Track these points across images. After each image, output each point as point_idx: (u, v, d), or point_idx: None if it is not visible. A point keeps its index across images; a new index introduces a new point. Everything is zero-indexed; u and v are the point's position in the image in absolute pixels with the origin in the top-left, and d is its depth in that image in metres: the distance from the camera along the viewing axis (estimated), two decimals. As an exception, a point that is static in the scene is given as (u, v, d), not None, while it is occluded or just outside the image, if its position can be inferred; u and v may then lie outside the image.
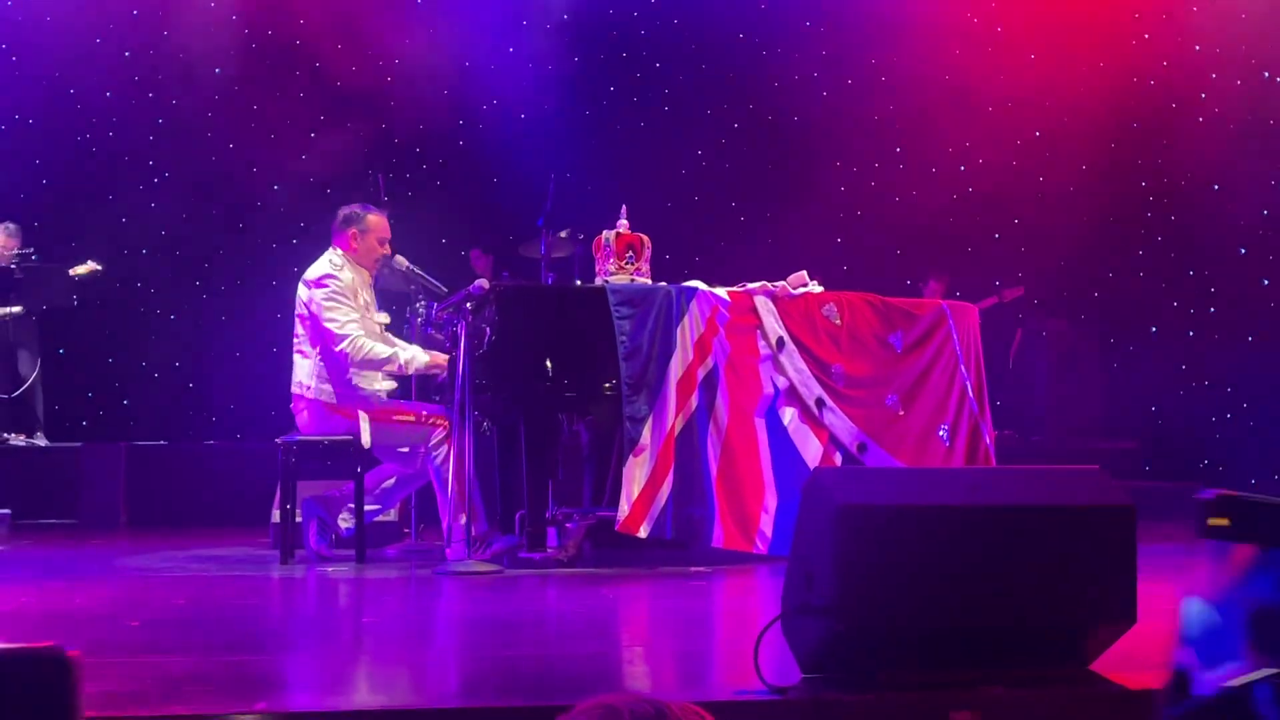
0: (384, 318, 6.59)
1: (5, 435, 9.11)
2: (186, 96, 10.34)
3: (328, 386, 6.28)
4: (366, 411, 6.23)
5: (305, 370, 6.31)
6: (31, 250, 9.45)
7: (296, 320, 6.38)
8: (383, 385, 6.48)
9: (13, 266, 9.16)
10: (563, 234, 8.41)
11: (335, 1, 10.55)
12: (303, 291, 6.35)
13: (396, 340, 6.54)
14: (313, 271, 6.38)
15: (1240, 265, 10.61)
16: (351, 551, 6.24)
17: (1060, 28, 10.68)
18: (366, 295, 6.47)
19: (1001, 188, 10.89)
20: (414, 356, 6.31)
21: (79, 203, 10.44)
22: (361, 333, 6.26)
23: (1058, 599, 3.26)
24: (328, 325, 6.23)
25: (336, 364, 6.27)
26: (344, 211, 6.52)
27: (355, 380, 6.32)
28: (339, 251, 6.43)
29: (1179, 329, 10.84)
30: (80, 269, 9.20)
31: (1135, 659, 3.47)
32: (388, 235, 6.53)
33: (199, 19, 10.24)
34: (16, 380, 9.25)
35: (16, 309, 9.10)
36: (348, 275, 6.35)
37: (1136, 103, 10.61)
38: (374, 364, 6.26)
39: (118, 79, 10.38)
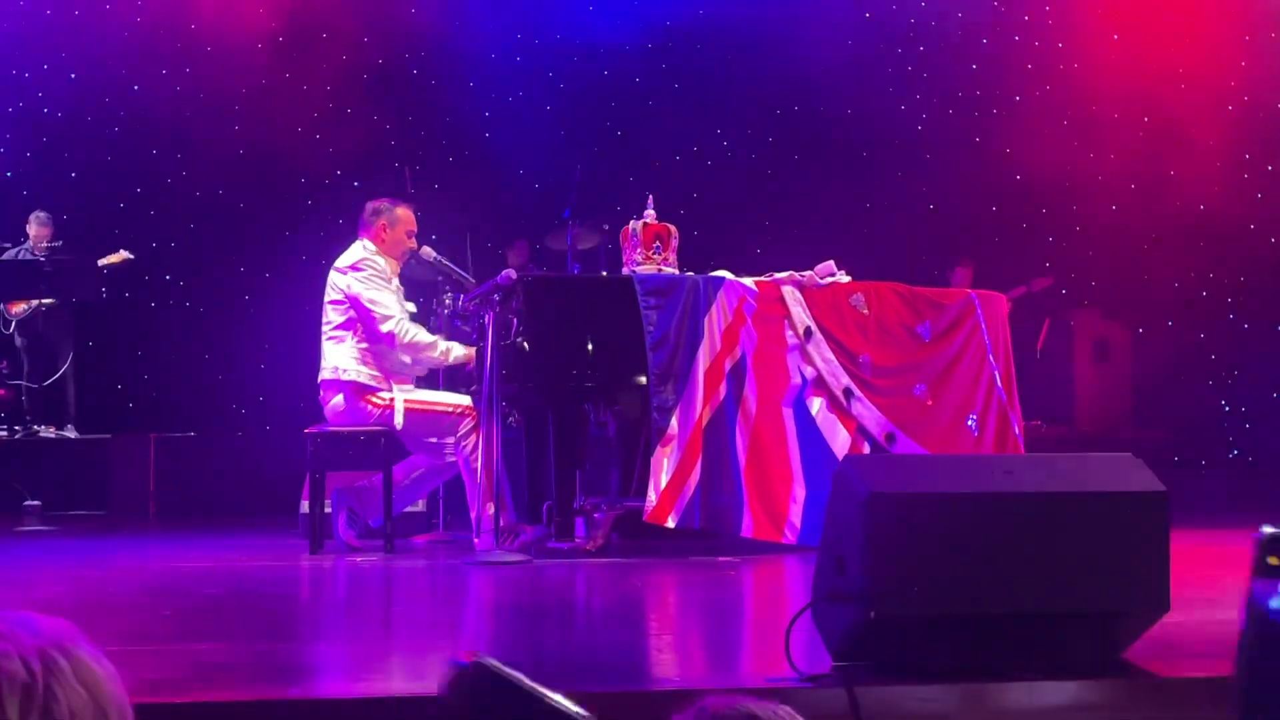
0: (410, 307, 6.66)
1: (35, 427, 9.17)
2: (213, 89, 10.37)
3: (365, 369, 6.34)
4: (404, 392, 6.31)
5: (339, 354, 6.35)
6: (60, 242, 9.51)
7: (328, 307, 6.43)
8: (417, 370, 6.59)
9: (41, 259, 9.21)
10: (589, 225, 8.41)
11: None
12: (337, 278, 6.41)
13: None
14: (346, 258, 6.45)
15: (1270, 255, 10.54)
16: (380, 542, 6.26)
17: (1088, 17, 10.62)
18: (394, 285, 6.52)
19: (1029, 178, 10.84)
20: (452, 347, 6.45)
21: (107, 195, 10.49)
22: (404, 316, 6.39)
23: (1090, 586, 3.24)
24: (370, 306, 6.32)
25: (378, 344, 6.32)
26: (372, 204, 6.61)
27: (387, 367, 6.37)
28: (368, 243, 6.51)
29: (1208, 318, 10.78)
30: (112, 258, 9.25)
31: (1169, 648, 3.46)
32: (415, 228, 6.62)
33: (226, 12, 10.27)
34: (50, 371, 9.31)
35: (50, 301, 9.16)
36: (381, 262, 6.44)
37: (1165, 92, 10.55)
38: (418, 348, 6.38)
39: (145, 71, 10.42)
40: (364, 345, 6.35)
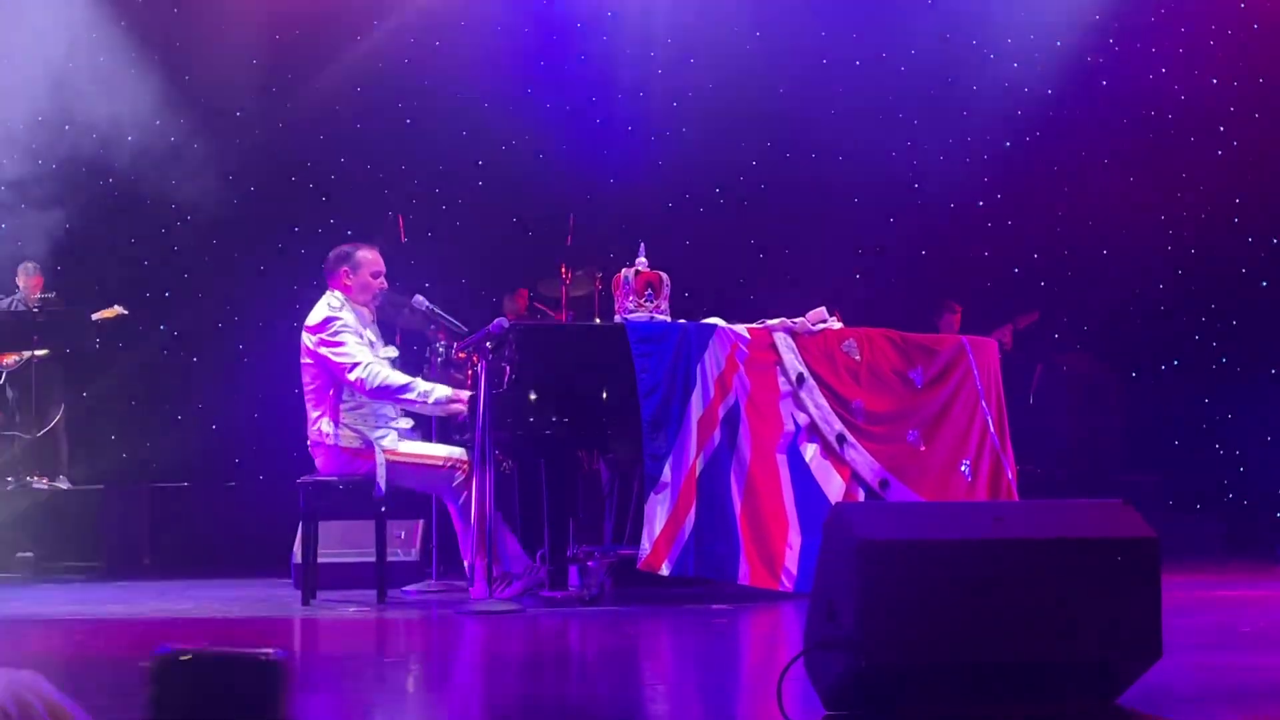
0: (391, 352, 6.46)
1: (28, 478, 9.14)
2: (205, 140, 10.41)
3: (345, 431, 6.23)
4: (384, 457, 6.20)
5: (320, 419, 6.23)
6: (54, 293, 9.51)
7: (302, 369, 6.32)
8: (401, 423, 6.42)
9: (34, 309, 9.21)
10: (581, 272, 8.43)
11: (353, 45, 10.64)
12: (306, 338, 6.28)
13: None
14: (313, 317, 6.30)
15: (1261, 298, 10.57)
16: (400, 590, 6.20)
17: (1075, 61, 10.69)
18: (370, 334, 6.40)
19: (1020, 223, 10.88)
20: (434, 388, 6.20)
21: (101, 246, 10.50)
22: (373, 360, 6.19)
23: (1081, 633, 3.24)
24: (337, 359, 6.15)
25: (354, 400, 6.22)
26: (335, 251, 6.46)
27: (371, 423, 6.27)
28: (336, 294, 6.36)
29: (1201, 362, 10.79)
30: (106, 313, 9.25)
31: (1164, 694, 3.45)
32: (382, 269, 6.43)
33: (219, 62, 10.32)
34: (41, 422, 9.29)
35: (42, 351, 9.15)
36: (349, 315, 6.29)
37: (1154, 135, 10.61)
38: (389, 391, 6.14)
39: (138, 123, 10.46)
40: (341, 407, 6.22)
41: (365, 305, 6.42)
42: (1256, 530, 9.66)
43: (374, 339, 6.42)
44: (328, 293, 6.40)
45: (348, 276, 6.37)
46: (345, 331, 6.22)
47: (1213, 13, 10.59)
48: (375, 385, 6.13)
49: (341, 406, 6.24)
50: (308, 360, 6.29)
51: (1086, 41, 10.73)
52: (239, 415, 10.35)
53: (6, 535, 8.32)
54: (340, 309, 6.30)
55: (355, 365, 6.14)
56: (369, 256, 6.42)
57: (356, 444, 6.23)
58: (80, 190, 10.48)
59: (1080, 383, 10.44)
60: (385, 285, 6.45)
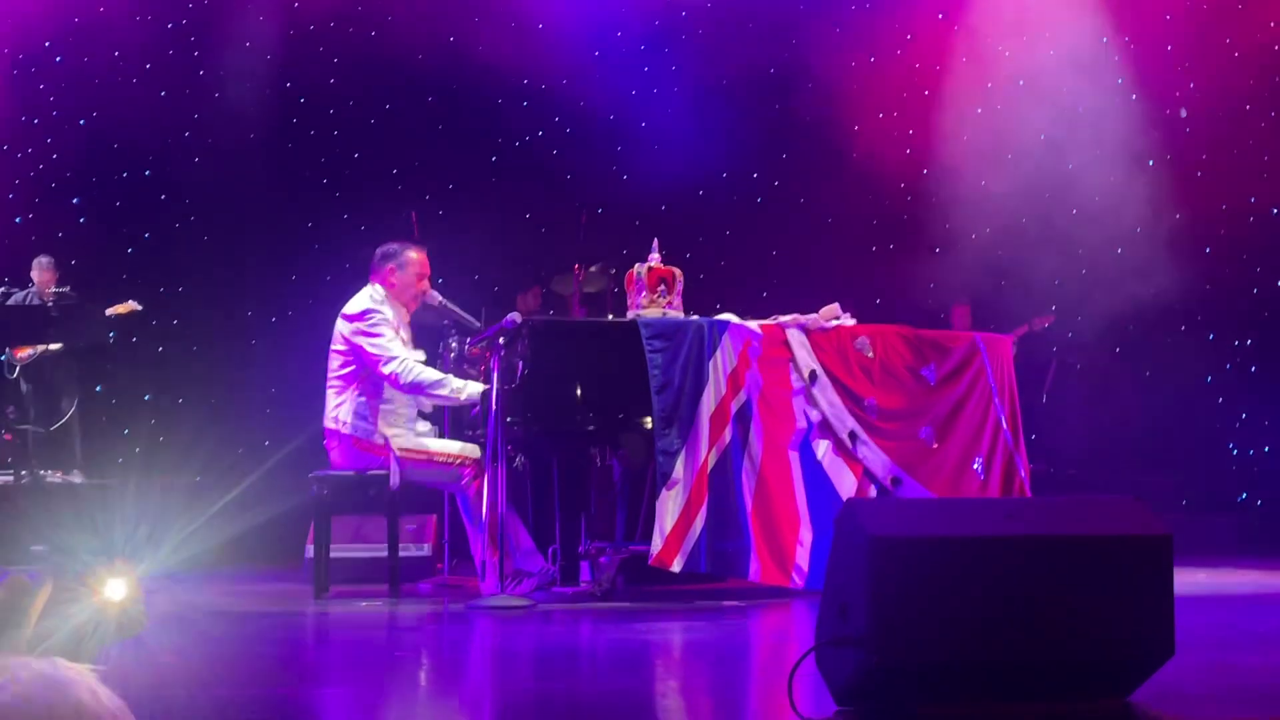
0: (420, 355, 6.54)
1: (42, 472, 9.16)
2: (223, 135, 10.43)
3: (361, 424, 6.26)
4: (397, 452, 6.21)
5: (340, 407, 6.30)
6: (68, 287, 9.54)
7: (332, 354, 6.35)
8: (419, 427, 6.42)
9: (49, 304, 9.24)
10: (594, 268, 8.43)
11: (367, 42, 10.65)
12: (342, 325, 6.32)
13: None
14: (353, 305, 6.34)
15: (1276, 297, 10.54)
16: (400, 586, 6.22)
17: (1084, 61, 10.66)
18: (404, 334, 6.44)
19: (1035, 220, 10.85)
20: (467, 384, 6.22)
21: (116, 241, 10.54)
22: (409, 355, 6.24)
23: (1094, 630, 3.23)
24: (373, 350, 6.19)
25: (379, 394, 6.25)
26: (384, 247, 6.49)
27: (389, 420, 6.28)
28: (378, 287, 6.41)
29: (1216, 360, 10.76)
30: (120, 308, 9.27)
31: (1176, 692, 3.44)
32: (427, 272, 6.48)
33: (235, 59, 10.34)
34: (54, 416, 9.32)
35: (56, 345, 9.17)
36: (388, 310, 6.33)
37: (1169, 133, 10.58)
38: (422, 387, 6.17)
39: (155, 119, 10.49)
40: (362, 399, 6.25)
41: (405, 305, 6.46)
42: (1273, 530, 9.63)
43: (406, 339, 6.44)
44: (370, 285, 6.43)
45: (394, 274, 6.40)
46: (384, 325, 6.26)
47: (1229, 12, 10.56)
48: (409, 380, 6.16)
49: (360, 400, 6.25)
50: (339, 347, 6.31)
51: (1089, 46, 10.70)
52: (252, 409, 10.36)
53: (20, 529, 8.34)
54: (381, 303, 6.34)
55: (392, 359, 6.17)
56: (417, 257, 6.45)
57: (371, 437, 6.25)
58: (95, 185, 10.51)
59: (1093, 381, 10.41)
60: (427, 288, 6.47)
